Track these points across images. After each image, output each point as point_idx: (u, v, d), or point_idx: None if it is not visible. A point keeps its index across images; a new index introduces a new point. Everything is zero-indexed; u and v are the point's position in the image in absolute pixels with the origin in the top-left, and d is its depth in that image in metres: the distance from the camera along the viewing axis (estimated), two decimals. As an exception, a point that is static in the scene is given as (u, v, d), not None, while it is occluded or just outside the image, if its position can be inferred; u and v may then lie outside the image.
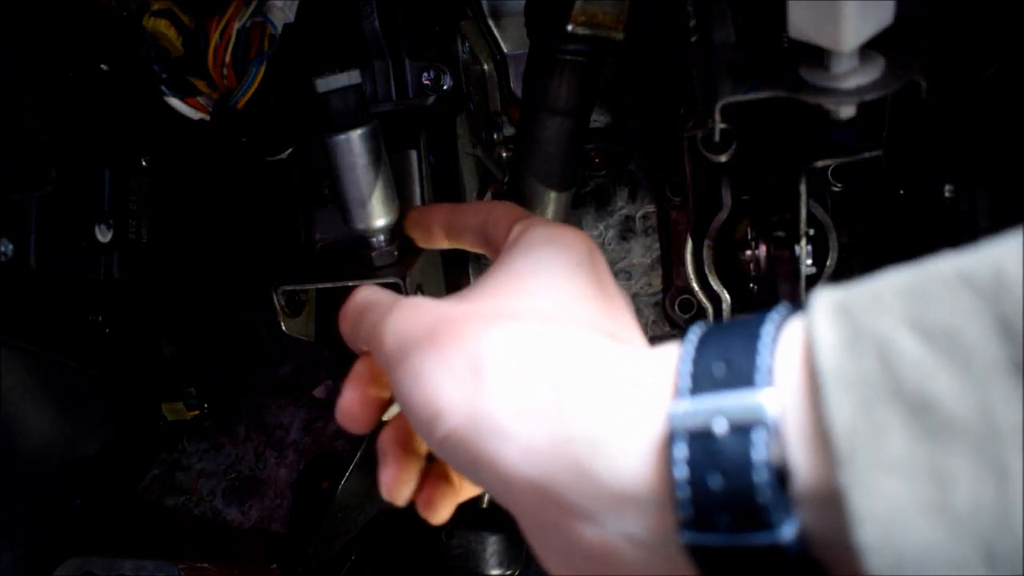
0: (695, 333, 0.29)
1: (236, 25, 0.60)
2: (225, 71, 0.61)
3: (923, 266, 0.25)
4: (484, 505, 0.89)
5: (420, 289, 0.64)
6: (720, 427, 0.26)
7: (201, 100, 0.64)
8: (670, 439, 0.27)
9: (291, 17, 0.63)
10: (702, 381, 0.27)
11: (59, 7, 0.62)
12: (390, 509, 0.94)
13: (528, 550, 0.94)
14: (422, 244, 0.58)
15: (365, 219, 0.59)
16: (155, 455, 1.06)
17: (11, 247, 0.60)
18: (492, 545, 0.88)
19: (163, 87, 0.62)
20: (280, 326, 0.66)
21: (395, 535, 0.91)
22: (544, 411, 0.30)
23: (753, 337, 0.27)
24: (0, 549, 0.73)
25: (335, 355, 1.07)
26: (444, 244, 0.54)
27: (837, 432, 0.23)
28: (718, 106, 0.49)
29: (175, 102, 0.63)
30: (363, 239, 0.61)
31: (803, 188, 0.60)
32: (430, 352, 0.35)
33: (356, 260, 0.62)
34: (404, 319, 0.37)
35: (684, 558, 0.27)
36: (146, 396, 0.90)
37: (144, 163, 0.73)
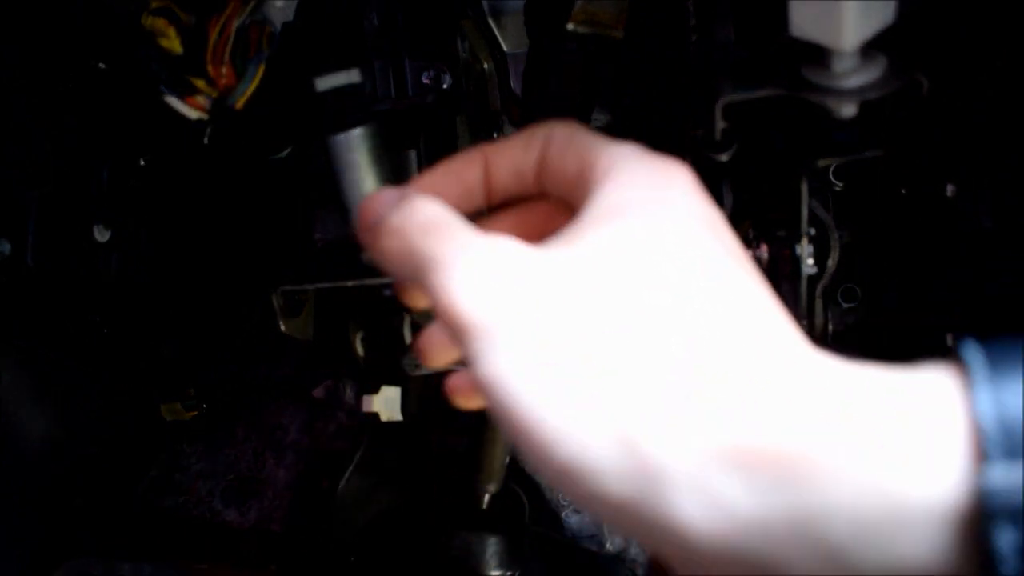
0: (978, 363, 0.21)
1: (235, 24, 0.59)
2: (224, 70, 0.61)
3: None
4: (484, 506, 0.89)
5: (420, 289, 0.64)
6: None
7: (200, 99, 0.64)
8: (986, 523, 0.19)
9: (290, 16, 0.63)
10: (1017, 435, 0.20)
11: (58, 6, 0.62)
12: (390, 509, 0.94)
13: (527, 550, 0.94)
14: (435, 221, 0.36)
15: (365, 219, 0.59)
16: (154, 455, 1.06)
17: (9, 246, 0.60)
18: (492, 546, 0.88)
19: (162, 86, 0.62)
20: (279, 326, 0.66)
21: (395, 535, 0.91)
22: (778, 462, 0.22)
23: None
24: (0, 549, 0.73)
25: (335, 355, 1.07)
26: (478, 207, 0.36)
27: None
28: (718, 106, 0.49)
29: (174, 101, 0.63)
30: (363, 239, 0.61)
31: (804, 188, 0.60)
32: (540, 338, 0.25)
33: (356, 260, 0.62)
34: (495, 277, 0.26)
35: None
36: (145, 396, 0.90)
37: (143, 162, 0.73)
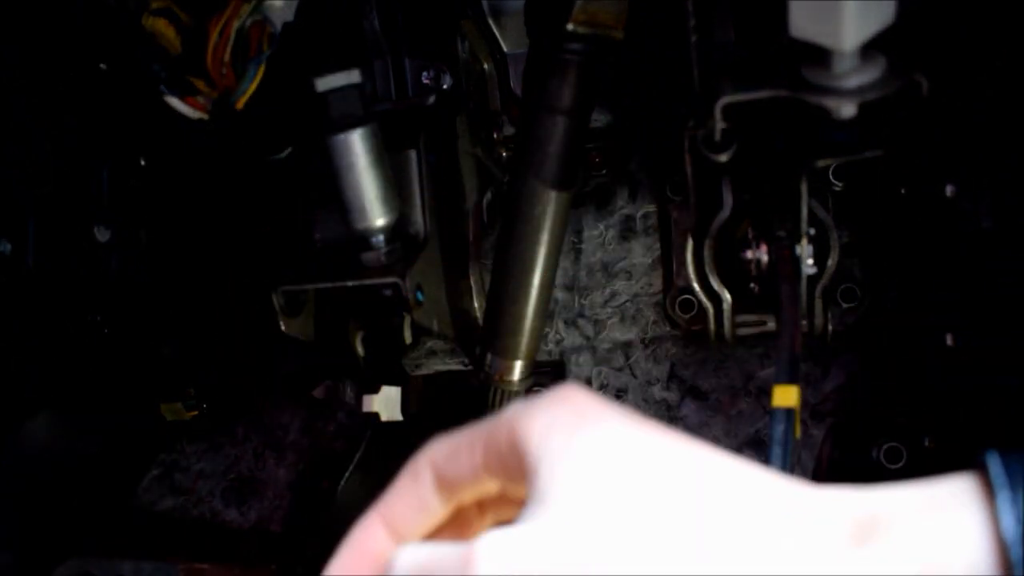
0: (999, 476, 0.23)
1: (235, 24, 0.59)
2: (224, 70, 0.61)
3: None
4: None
5: (420, 289, 0.64)
6: None
7: (200, 99, 0.64)
8: None
9: (290, 16, 0.63)
10: None
11: (58, 7, 0.62)
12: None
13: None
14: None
15: (365, 219, 0.59)
16: (153, 455, 1.06)
17: (9, 247, 0.60)
18: (492, 545, 0.88)
19: (162, 86, 0.62)
20: (279, 326, 0.66)
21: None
22: None
23: None
24: (0, 549, 0.73)
25: (335, 355, 1.07)
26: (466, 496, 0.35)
27: None
28: (718, 106, 0.49)
29: (174, 101, 0.63)
30: (363, 239, 0.61)
31: (804, 188, 0.60)
32: None
33: (356, 260, 0.62)
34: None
35: None
36: (145, 396, 0.90)
37: (143, 163, 0.73)
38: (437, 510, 0.34)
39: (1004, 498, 0.22)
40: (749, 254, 0.65)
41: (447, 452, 0.33)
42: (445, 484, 0.33)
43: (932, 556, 0.23)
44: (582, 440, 0.28)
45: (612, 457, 0.27)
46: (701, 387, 0.79)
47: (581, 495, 0.27)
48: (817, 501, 0.26)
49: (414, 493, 0.34)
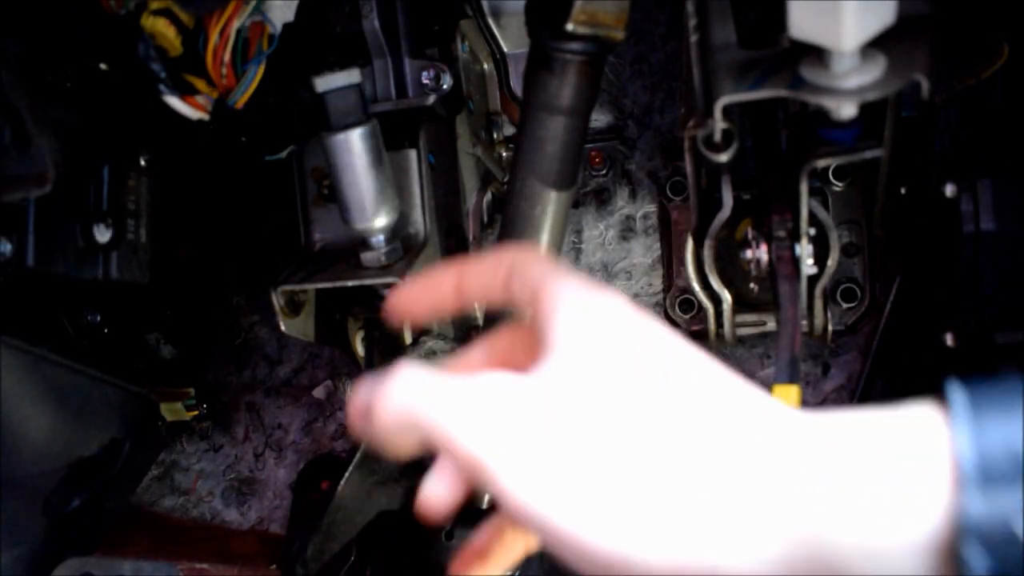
0: (960, 404, 0.25)
1: (235, 24, 0.59)
2: (224, 70, 0.61)
3: None
4: (484, 506, 0.89)
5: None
6: None
7: (200, 99, 0.64)
8: (961, 544, 0.23)
9: (290, 16, 0.63)
10: (992, 471, 0.23)
11: (58, 7, 0.61)
12: (390, 509, 0.94)
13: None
14: (423, 319, 0.48)
15: (364, 219, 0.59)
16: (154, 456, 1.06)
17: (10, 247, 0.60)
18: (492, 545, 0.88)
19: (162, 86, 0.62)
20: (279, 326, 0.66)
21: (395, 535, 0.90)
22: (787, 507, 0.26)
23: None
24: (0, 549, 0.73)
25: (334, 355, 1.07)
26: (453, 311, 0.42)
27: None
28: (718, 106, 0.49)
29: (174, 101, 0.63)
30: (362, 239, 0.61)
31: (804, 188, 0.60)
32: (569, 463, 0.28)
33: (356, 260, 0.62)
34: (499, 412, 0.29)
35: None
36: (145, 396, 0.90)
37: (143, 162, 0.73)
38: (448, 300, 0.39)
39: (961, 417, 0.24)
40: (749, 254, 0.65)
41: (478, 267, 0.39)
42: (464, 288, 0.39)
43: (885, 455, 0.25)
44: (612, 338, 0.31)
45: (617, 344, 0.30)
46: (701, 387, 0.79)
47: (579, 367, 0.30)
48: (781, 410, 0.28)
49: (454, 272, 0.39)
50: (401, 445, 0.33)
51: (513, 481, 0.28)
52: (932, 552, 0.24)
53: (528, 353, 0.33)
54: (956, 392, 0.25)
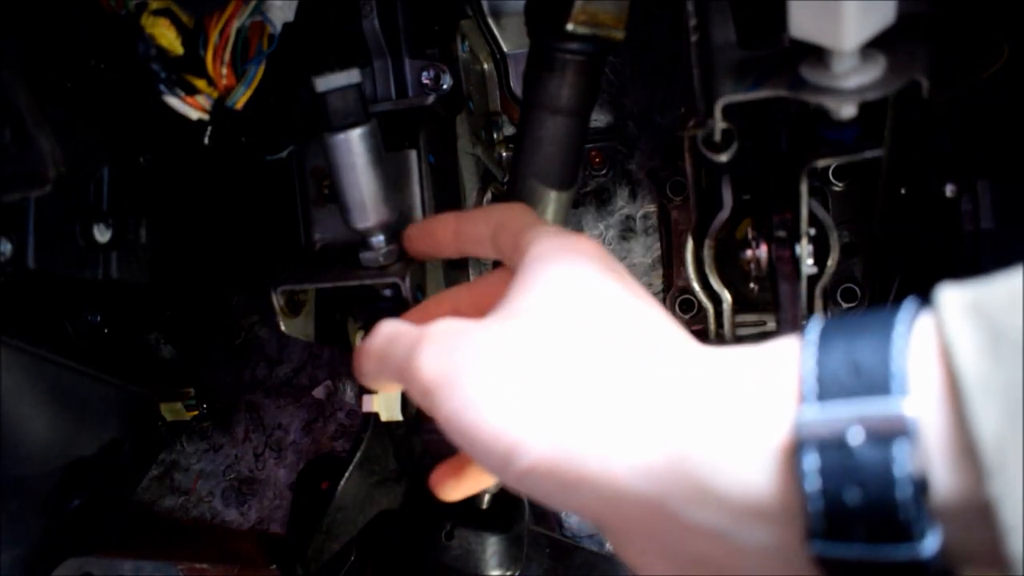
0: (814, 332, 0.27)
1: (235, 24, 0.59)
2: (224, 70, 0.61)
3: None
4: (484, 506, 0.89)
5: (420, 289, 0.64)
6: (856, 438, 0.24)
7: (200, 99, 0.64)
8: (797, 449, 0.25)
9: (290, 16, 0.63)
10: (830, 386, 0.26)
11: (58, 7, 0.62)
12: (390, 509, 0.94)
13: (527, 550, 0.94)
14: (426, 258, 0.56)
15: (364, 219, 0.59)
16: (154, 456, 1.06)
17: (10, 247, 0.60)
18: (492, 546, 0.88)
19: (162, 86, 0.62)
20: (279, 326, 0.66)
21: (395, 535, 0.91)
22: (652, 426, 0.29)
23: (884, 339, 0.26)
24: (0, 549, 0.73)
25: (335, 355, 1.07)
26: (451, 255, 0.52)
27: (984, 443, 0.22)
28: (718, 106, 0.49)
29: (174, 101, 0.63)
30: (363, 239, 0.61)
31: (804, 188, 0.60)
32: (489, 379, 0.33)
33: (356, 260, 0.62)
34: (444, 348, 0.35)
35: (807, 567, 0.26)
36: (145, 396, 0.90)
37: (143, 162, 0.73)
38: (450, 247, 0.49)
39: (810, 342, 0.27)
40: (749, 254, 0.65)
41: (472, 217, 0.46)
42: (460, 236, 0.47)
43: (744, 379, 0.29)
44: (562, 273, 0.36)
45: (576, 299, 0.35)
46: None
47: (534, 316, 0.35)
48: (684, 346, 0.32)
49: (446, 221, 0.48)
50: (382, 383, 0.40)
51: (445, 399, 0.33)
52: (775, 463, 0.26)
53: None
54: (813, 324, 0.28)
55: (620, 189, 0.87)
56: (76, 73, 0.64)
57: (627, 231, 0.88)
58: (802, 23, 0.41)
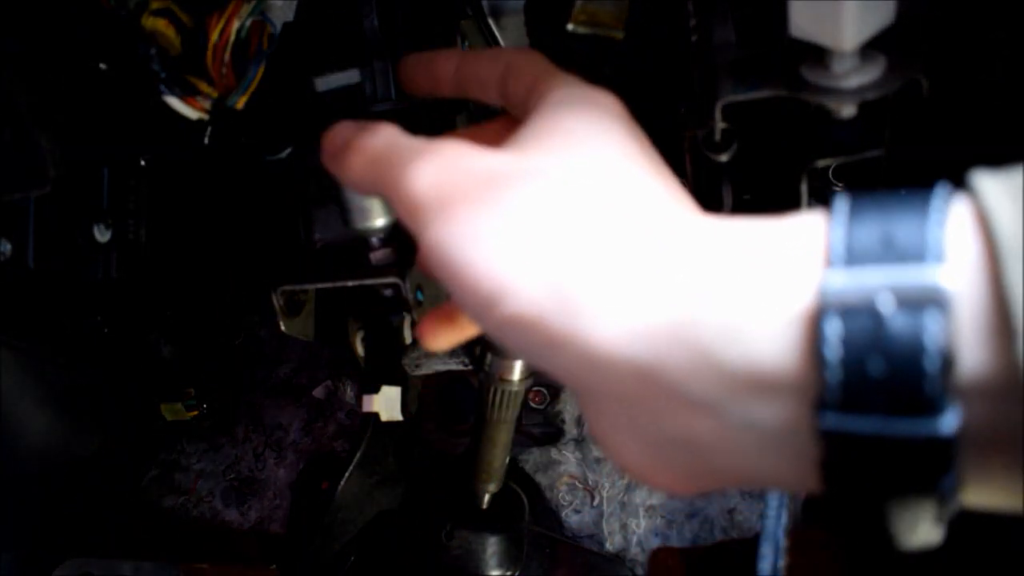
0: (844, 201, 0.26)
1: (235, 24, 0.59)
2: (224, 70, 0.61)
3: None
4: (484, 506, 0.89)
5: (420, 289, 0.64)
6: (887, 305, 0.23)
7: (200, 99, 0.64)
8: (820, 315, 0.24)
9: (290, 16, 0.63)
10: (860, 254, 0.24)
11: (58, 7, 0.62)
12: (390, 509, 0.94)
13: (527, 550, 0.94)
14: (419, 91, 0.50)
15: (365, 219, 0.59)
16: (154, 455, 1.06)
17: (9, 247, 0.60)
18: (492, 546, 0.88)
19: (162, 86, 0.62)
20: (279, 326, 0.66)
21: (395, 535, 0.91)
22: (659, 287, 0.27)
23: (919, 209, 0.24)
24: (0, 549, 0.73)
25: (335, 355, 1.07)
26: (448, 94, 0.46)
27: (1018, 306, 0.21)
28: (718, 106, 0.49)
29: (174, 101, 0.63)
30: (363, 239, 0.61)
31: (804, 188, 0.59)
32: (487, 210, 0.30)
33: (356, 260, 0.62)
34: (447, 166, 0.32)
35: (808, 447, 0.25)
36: (145, 396, 0.90)
37: (143, 163, 0.73)
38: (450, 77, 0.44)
39: (839, 211, 0.26)
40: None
41: (479, 55, 0.42)
42: (462, 76, 0.43)
43: (763, 248, 0.27)
44: (584, 123, 0.33)
45: (594, 152, 0.32)
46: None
47: (550, 159, 0.32)
48: (693, 213, 0.30)
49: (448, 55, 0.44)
50: (365, 188, 0.38)
51: (434, 221, 0.31)
52: (793, 331, 0.24)
53: None
54: (840, 198, 0.26)
55: (620, 189, 0.87)
56: (76, 73, 0.64)
57: (627, 231, 0.88)
58: (802, 23, 0.41)
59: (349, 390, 1.06)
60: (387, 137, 0.36)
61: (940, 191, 0.25)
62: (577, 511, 1.03)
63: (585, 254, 0.28)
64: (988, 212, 0.23)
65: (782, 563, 0.58)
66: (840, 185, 0.76)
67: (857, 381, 0.23)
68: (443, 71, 0.45)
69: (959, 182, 0.57)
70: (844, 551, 0.83)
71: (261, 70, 0.62)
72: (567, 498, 1.04)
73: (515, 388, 0.76)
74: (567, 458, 1.05)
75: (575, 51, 0.60)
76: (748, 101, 0.48)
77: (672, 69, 0.77)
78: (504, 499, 0.90)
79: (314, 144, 0.67)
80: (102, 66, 0.65)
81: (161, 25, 0.59)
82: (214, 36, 0.60)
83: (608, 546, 1.02)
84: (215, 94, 0.63)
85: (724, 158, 0.58)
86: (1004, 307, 0.22)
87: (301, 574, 0.92)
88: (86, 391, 0.78)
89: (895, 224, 0.24)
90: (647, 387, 0.27)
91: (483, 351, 0.75)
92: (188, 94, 0.63)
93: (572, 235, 0.29)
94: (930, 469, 0.23)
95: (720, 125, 0.53)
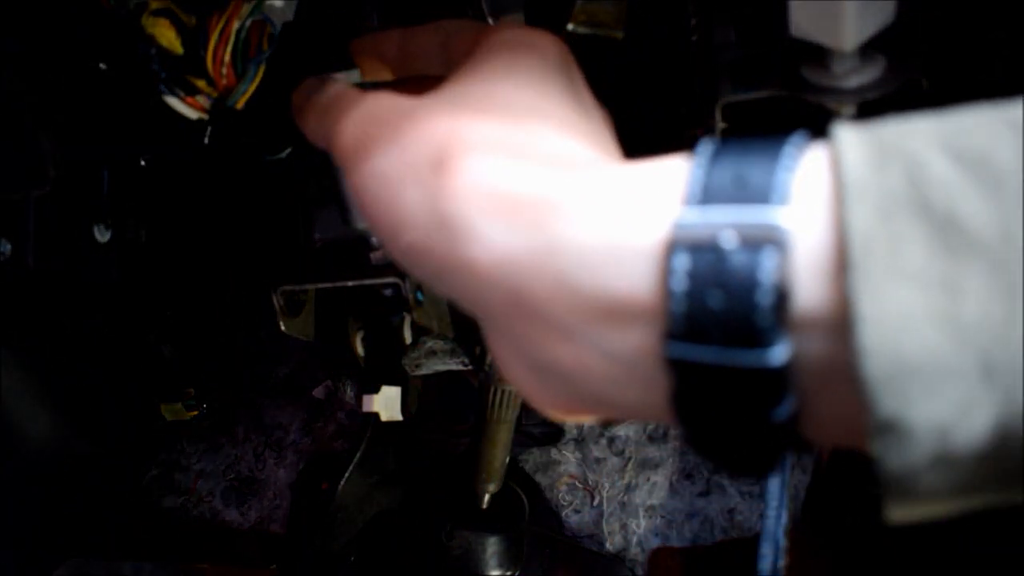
0: (706, 146, 0.27)
1: (235, 24, 0.59)
2: (224, 70, 0.61)
3: (952, 110, 0.24)
4: (484, 506, 0.89)
5: (420, 289, 0.64)
6: (729, 241, 0.24)
7: (200, 99, 0.64)
8: (671, 249, 0.25)
9: (290, 16, 0.63)
10: (714, 194, 0.25)
11: (57, 6, 0.62)
12: (390, 509, 0.94)
13: (527, 550, 0.94)
14: (371, 75, 0.52)
15: (365, 219, 0.59)
16: (154, 455, 1.06)
17: (10, 247, 0.60)
18: (492, 546, 0.88)
19: (162, 86, 0.62)
20: (279, 326, 0.66)
21: (395, 535, 0.91)
22: (524, 216, 0.28)
23: (772, 154, 0.26)
24: (0, 549, 0.73)
25: (335, 355, 1.07)
26: (399, 72, 0.47)
27: (853, 239, 0.22)
28: (718, 106, 0.49)
29: (174, 101, 0.63)
30: (363, 239, 0.61)
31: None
32: (391, 149, 0.32)
33: (356, 260, 0.62)
34: (368, 114, 0.34)
35: (660, 377, 0.26)
36: (145, 396, 0.90)
37: (143, 163, 0.73)
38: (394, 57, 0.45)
39: (702, 153, 0.27)
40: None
41: (419, 28, 0.44)
42: (407, 51, 0.44)
43: (626, 186, 0.28)
44: (507, 64, 0.35)
45: (506, 90, 0.34)
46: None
47: (457, 101, 0.33)
48: (594, 153, 0.32)
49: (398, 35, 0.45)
50: (315, 142, 0.39)
51: (353, 168, 0.33)
52: (645, 263, 0.26)
53: None
54: (705, 142, 0.27)
55: (620, 189, 0.88)
56: (76, 73, 0.64)
57: (627, 231, 0.88)
58: (802, 23, 0.41)
59: (349, 390, 1.06)
60: (332, 91, 0.39)
61: (796, 137, 0.26)
62: (577, 511, 1.03)
63: (465, 184, 0.30)
64: (839, 156, 0.24)
65: (782, 563, 0.58)
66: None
67: (699, 312, 0.24)
68: (387, 51, 0.46)
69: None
70: (844, 551, 0.83)
71: (261, 70, 0.62)
72: (567, 498, 1.04)
73: (515, 388, 0.76)
74: (567, 458, 1.05)
75: (575, 51, 0.60)
76: (748, 101, 0.49)
77: (672, 69, 0.77)
78: (504, 499, 0.90)
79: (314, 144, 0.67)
80: (102, 66, 0.65)
81: (161, 25, 0.59)
82: (214, 36, 0.60)
83: (608, 546, 1.02)
84: (215, 94, 0.63)
85: (724, 158, 0.58)
86: (844, 246, 0.23)
87: (301, 574, 0.92)
88: (86, 391, 0.78)
89: (749, 167, 0.25)
90: (518, 310, 0.29)
91: (483, 351, 0.75)
92: (188, 94, 0.63)
93: (461, 162, 0.30)
94: (762, 399, 0.24)
95: (720, 125, 0.53)
